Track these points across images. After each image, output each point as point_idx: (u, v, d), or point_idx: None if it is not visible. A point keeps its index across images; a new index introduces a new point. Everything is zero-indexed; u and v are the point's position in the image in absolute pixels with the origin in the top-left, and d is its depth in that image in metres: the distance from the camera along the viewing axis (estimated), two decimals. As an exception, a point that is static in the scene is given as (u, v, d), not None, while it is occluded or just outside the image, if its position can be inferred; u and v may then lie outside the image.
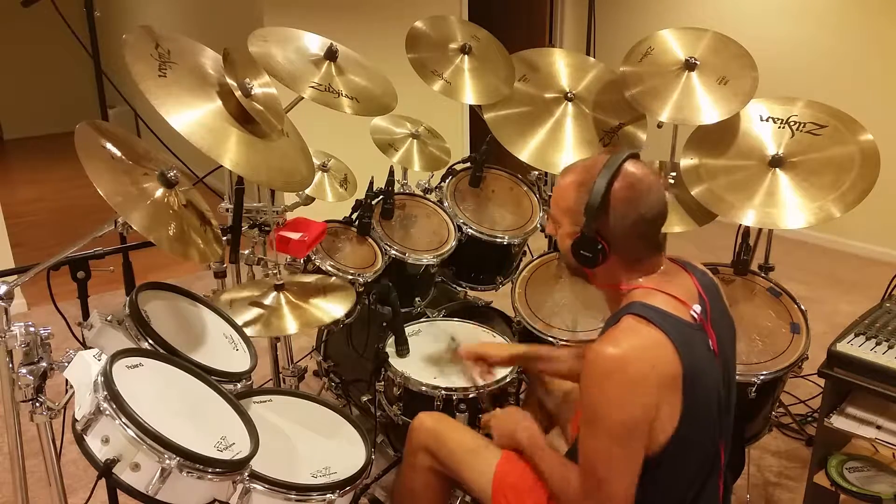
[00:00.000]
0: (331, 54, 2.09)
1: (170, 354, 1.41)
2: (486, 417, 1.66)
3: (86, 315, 1.79)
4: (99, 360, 1.30)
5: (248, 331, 1.73)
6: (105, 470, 1.16)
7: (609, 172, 1.28)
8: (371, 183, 2.44)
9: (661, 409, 1.23)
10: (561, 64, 2.63)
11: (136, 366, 1.31)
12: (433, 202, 2.52)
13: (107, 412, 1.16)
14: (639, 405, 1.21)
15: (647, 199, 1.29)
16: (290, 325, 1.81)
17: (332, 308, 1.90)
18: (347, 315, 1.93)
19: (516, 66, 2.54)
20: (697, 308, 1.30)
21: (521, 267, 2.46)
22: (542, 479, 1.43)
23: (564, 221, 1.36)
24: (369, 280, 2.18)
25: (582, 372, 1.26)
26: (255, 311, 1.85)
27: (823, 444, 1.87)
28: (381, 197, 2.37)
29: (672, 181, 2.32)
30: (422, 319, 2.29)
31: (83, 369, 1.28)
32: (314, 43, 2.13)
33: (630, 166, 1.30)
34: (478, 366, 1.86)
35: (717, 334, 1.32)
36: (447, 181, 2.57)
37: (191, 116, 1.49)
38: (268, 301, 1.88)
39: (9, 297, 1.32)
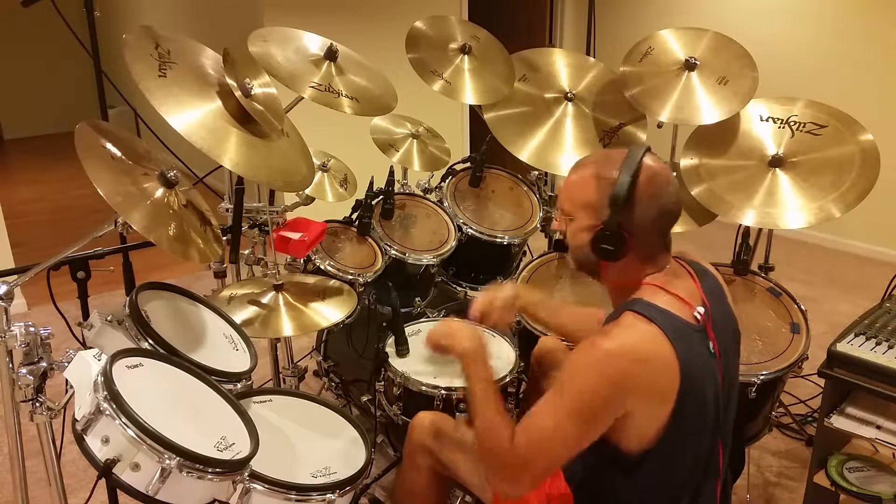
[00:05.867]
0: (331, 54, 2.09)
1: (170, 354, 1.41)
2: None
3: (86, 315, 1.79)
4: (99, 360, 1.30)
5: (245, 330, 1.73)
6: (105, 470, 1.16)
7: (632, 166, 1.27)
8: (371, 183, 2.44)
9: (648, 404, 1.22)
10: (561, 64, 2.63)
11: (136, 366, 1.31)
12: (433, 202, 2.52)
13: (107, 412, 1.16)
14: (615, 399, 1.21)
15: (667, 193, 1.30)
16: (287, 327, 1.81)
17: (330, 312, 1.90)
18: (347, 315, 1.93)
19: (516, 66, 2.54)
20: (700, 309, 1.30)
21: (521, 267, 2.46)
22: (473, 409, 1.36)
23: (580, 216, 1.33)
24: (369, 280, 2.18)
25: (572, 353, 1.26)
26: (253, 310, 1.85)
27: (823, 444, 1.87)
28: (381, 197, 2.37)
29: (672, 181, 2.32)
30: (422, 319, 2.29)
31: (83, 369, 1.28)
32: (314, 43, 2.13)
33: (649, 160, 1.30)
34: (487, 323, 1.73)
35: (718, 337, 1.31)
36: (447, 181, 2.57)
37: (191, 116, 1.49)
38: (266, 300, 1.88)
39: (9, 297, 1.32)
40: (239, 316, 1.79)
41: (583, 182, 1.33)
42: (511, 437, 1.25)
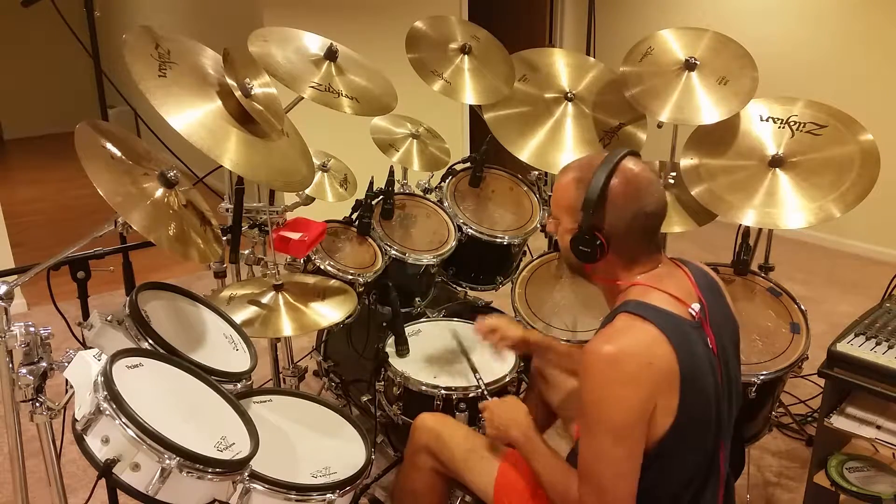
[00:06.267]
0: (331, 54, 2.09)
1: (170, 354, 1.41)
2: (483, 405, 1.63)
3: (86, 315, 1.79)
4: (99, 360, 1.30)
5: (245, 330, 1.73)
6: (105, 470, 1.16)
7: (607, 168, 1.28)
8: (371, 183, 2.44)
9: (657, 405, 1.22)
10: (561, 64, 2.63)
11: (136, 366, 1.31)
12: (433, 202, 2.52)
13: (107, 412, 1.16)
14: (636, 403, 1.21)
15: (645, 195, 1.30)
16: (287, 327, 1.81)
17: (330, 312, 1.90)
18: (347, 315, 1.93)
19: (516, 66, 2.54)
20: (696, 306, 1.30)
21: (521, 267, 2.46)
22: (538, 479, 1.42)
23: (564, 218, 1.36)
24: (369, 280, 2.18)
25: (579, 372, 1.26)
26: (253, 310, 1.85)
27: (823, 444, 1.87)
28: (381, 197, 2.37)
29: (672, 181, 2.32)
30: (422, 319, 2.29)
31: (83, 369, 1.28)
32: (314, 43, 2.13)
33: (628, 163, 1.31)
34: (490, 338, 1.78)
35: (716, 334, 1.32)
36: (447, 181, 2.57)
37: (191, 116, 1.49)
38: (266, 300, 1.88)
39: (9, 297, 1.32)
40: (239, 316, 1.79)
41: (565, 185, 1.35)
42: (582, 487, 1.28)
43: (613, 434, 1.22)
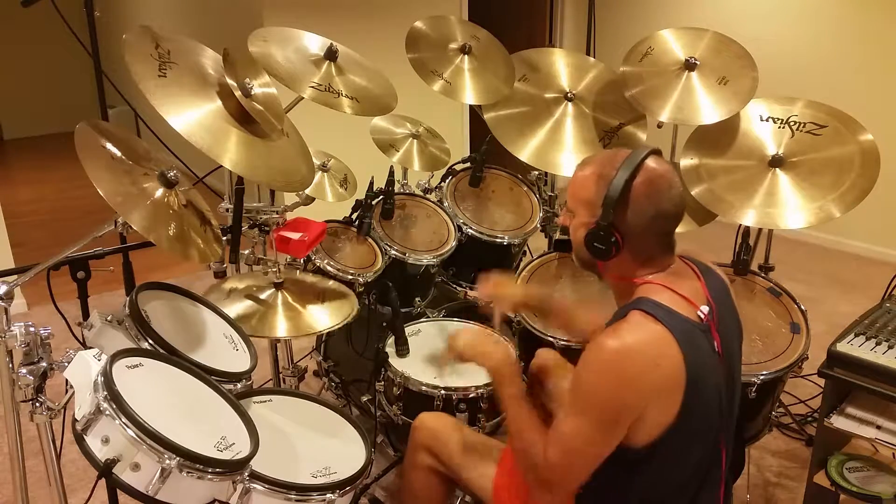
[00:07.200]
0: (331, 54, 2.09)
1: (170, 354, 1.41)
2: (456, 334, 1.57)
3: (86, 315, 1.79)
4: (99, 360, 1.30)
5: (242, 325, 1.73)
6: (105, 470, 1.16)
7: (631, 166, 1.27)
8: (371, 183, 2.44)
9: (657, 404, 1.22)
10: (561, 64, 2.63)
11: (136, 366, 1.31)
12: (433, 202, 2.52)
13: (107, 412, 1.16)
14: (632, 400, 1.21)
15: (667, 197, 1.29)
16: (282, 327, 1.81)
17: (328, 316, 1.90)
18: (342, 321, 1.93)
19: (516, 66, 2.55)
20: (705, 309, 1.30)
21: (521, 267, 2.46)
22: (509, 428, 1.39)
23: (581, 212, 1.35)
24: (369, 280, 2.18)
25: (581, 358, 1.26)
26: (251, 306, 1.84)
27: (823, 444, 1.86)
28: (381, 197, 2.37)
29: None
30: (422, 319, 2.29)
31: (83, 369, 1.28)
32: (314, 43, 2.13)
33: (652, 162, 1.29)
34: (493, 306, 1.73)
35: (722, 337, 1.32)
36: (447, 181, 2.57)
37: (191, 116, 1.49)
38: (265, 297, 1.88)
39: (9, 297, 1.32)
40: (236, 310, 1.79)
41: (585, 179, 1.34)
42: (548, 455, 1.27)
43: (598, 421, 1.23)
